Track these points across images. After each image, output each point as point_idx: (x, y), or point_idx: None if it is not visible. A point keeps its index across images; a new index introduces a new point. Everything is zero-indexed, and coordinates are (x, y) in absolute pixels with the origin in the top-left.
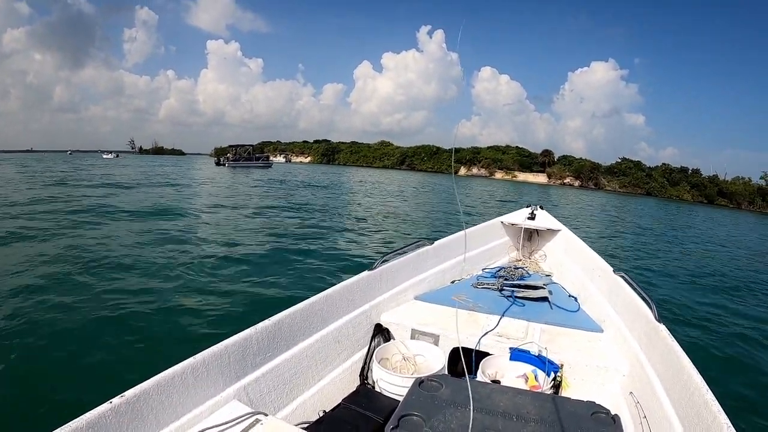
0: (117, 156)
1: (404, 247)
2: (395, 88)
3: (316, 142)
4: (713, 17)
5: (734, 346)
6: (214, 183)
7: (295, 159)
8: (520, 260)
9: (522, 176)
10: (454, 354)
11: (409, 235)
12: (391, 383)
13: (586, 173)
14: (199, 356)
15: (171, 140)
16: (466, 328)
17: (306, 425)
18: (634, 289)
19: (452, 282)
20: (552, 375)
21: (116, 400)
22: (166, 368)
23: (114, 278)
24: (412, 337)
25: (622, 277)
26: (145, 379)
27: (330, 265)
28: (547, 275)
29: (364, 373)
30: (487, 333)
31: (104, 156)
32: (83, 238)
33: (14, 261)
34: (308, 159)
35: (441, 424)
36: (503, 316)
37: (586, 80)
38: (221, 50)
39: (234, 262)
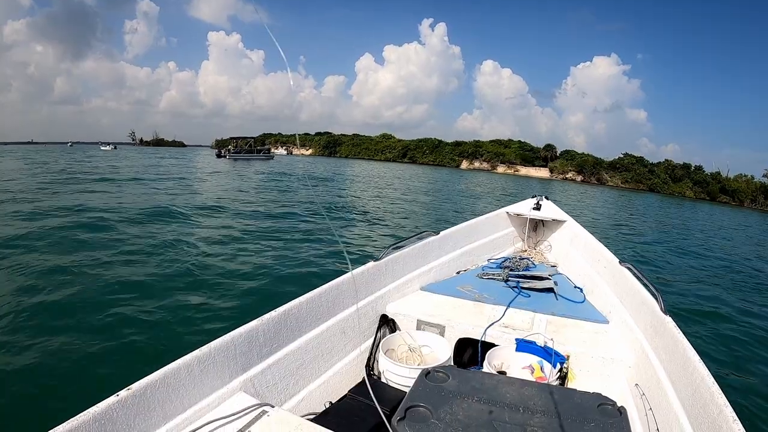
0: (114, 148)
1: (409, 237)
2: (396, 80)
3: (317, 134)
4: (717, 15)
5: (740, 342)
6: (216, 175)
7: (296, 151)
8: (526, 251)
9: (524, 170)
10: (460, 345)
11: (416, 226)
12: (397, 374)
13: (589, 168)
14: (205, 348)
15: (172, 132)
16: (472, 318)
17: (312, 416)
18: (641, 281)
19: (458, 272)
20: (558, 366)
21: (123, 392)
22: (174, 360)
23: (115, 276)
24: (418, 328)
25: (629, 268)
26: (152, 371)
27: (333, 258)
28: (552, 266)
29: (370, 364)
30: (492, 324)
31: (102, 148)
32: (82, 237)
33: (20, 261)
34: (309, 151)
35: (448, 415)
36: (509, 306)
37: (588, 75)
38: (222, 42)
39: (236, 253)
